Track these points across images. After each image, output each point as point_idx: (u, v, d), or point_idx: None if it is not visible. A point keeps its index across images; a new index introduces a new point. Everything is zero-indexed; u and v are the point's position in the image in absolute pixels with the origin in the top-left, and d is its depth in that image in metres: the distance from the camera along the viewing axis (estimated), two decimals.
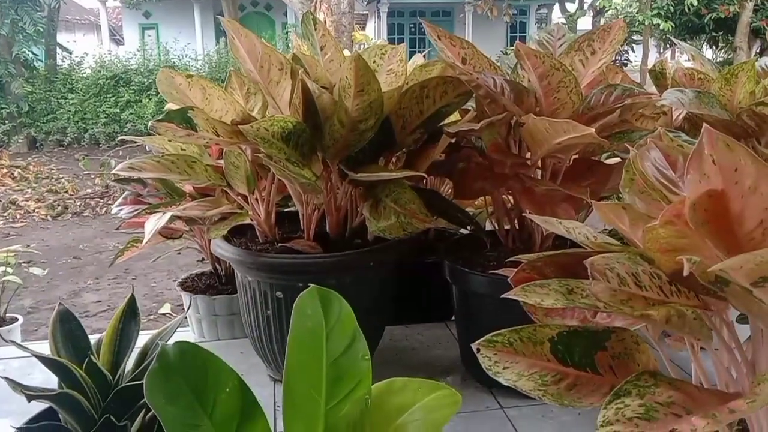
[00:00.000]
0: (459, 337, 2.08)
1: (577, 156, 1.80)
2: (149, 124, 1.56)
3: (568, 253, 1.09)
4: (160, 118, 1.54)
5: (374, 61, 1.72)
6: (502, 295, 1.00)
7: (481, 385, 1.88)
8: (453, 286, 1.94)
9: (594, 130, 1.36)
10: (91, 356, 1.24)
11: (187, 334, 2.37)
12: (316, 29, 1.69)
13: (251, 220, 1.88)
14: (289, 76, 1.65)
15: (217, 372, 0.87)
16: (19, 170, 9.09)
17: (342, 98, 1.62)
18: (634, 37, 13.69)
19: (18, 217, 6.96)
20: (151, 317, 3.99)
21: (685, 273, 0.73)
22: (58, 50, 13.57)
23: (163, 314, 3.99)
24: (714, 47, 14.44)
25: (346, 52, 2.06)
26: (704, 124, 0.82)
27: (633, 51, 14.66)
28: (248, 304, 1.83)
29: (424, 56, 2.28)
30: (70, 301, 4.38)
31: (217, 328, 2.27)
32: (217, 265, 2.34)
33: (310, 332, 0.89)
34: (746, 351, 1.01)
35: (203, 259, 2.50)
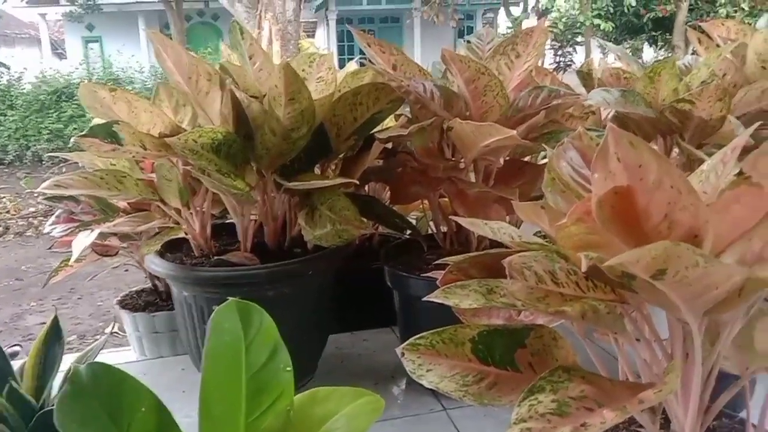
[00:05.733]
0: (402, 341, 2.08)
1: (508, 157, 1.82)
2: (71, 140, 1.52)
3: (490, 253, 1.10)
4: (84, 133, 1.51)
5: (303, 70, 1.71)
6: (423, 298, 1.00)
7: (424, 388, 1.88)
8: (394, 290, 1.95)
9: (516, 132, 1.38)
10: (12, 382, 1.20)
11: (129, 353, 2.32)
12: (243, 38, 1.67)
13: (186, 234, 1.85)
14: (218, 86, 1.63)
15: (132, 391, 0.85)
16: None
17: (273, 107, 1.61)
18: (578, 39, 13.99)
19: None
20: (98, 337, 3.89)
21: (583, 269, 0.74)
22: None
23: (111, 333, 3.89)
24: (654, 46, 14.88)
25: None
26: (608, 124, 0.84)
27: (576, 52, 14.97)
28: (186, 320, 1.80)
29: (359, 62, 2.29)
30: (13, 324, 4.23)
31: (158, 346, 2.22)
32: (156, 282, 2.29)
33: (228, 346, 0.87)
34: (667, 343, 1.04)
35: None
